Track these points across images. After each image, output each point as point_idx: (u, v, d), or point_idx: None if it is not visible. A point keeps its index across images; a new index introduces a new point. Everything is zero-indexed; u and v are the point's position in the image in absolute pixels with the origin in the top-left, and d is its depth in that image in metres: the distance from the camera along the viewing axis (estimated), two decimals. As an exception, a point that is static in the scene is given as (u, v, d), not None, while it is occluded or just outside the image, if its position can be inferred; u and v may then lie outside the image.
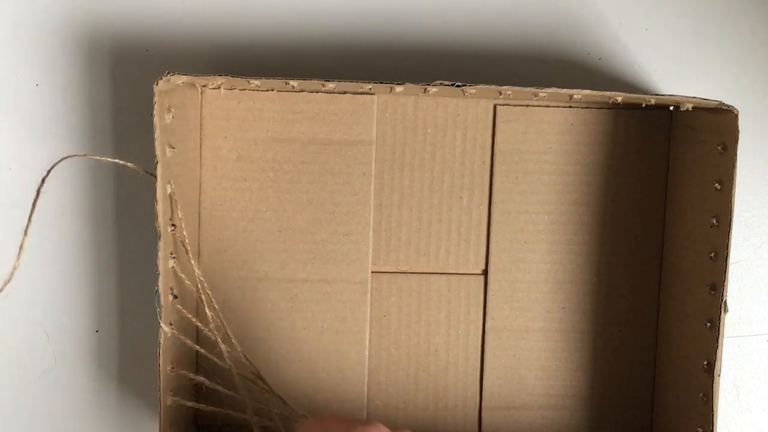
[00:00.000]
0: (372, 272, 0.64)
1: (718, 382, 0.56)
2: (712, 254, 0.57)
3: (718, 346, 0.56)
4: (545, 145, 0.64)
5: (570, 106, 0.64)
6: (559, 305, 0.65)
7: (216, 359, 0.56)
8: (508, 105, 0.64)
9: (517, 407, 0.66)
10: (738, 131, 0.54)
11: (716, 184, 0.57)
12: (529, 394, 0.66)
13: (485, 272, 0.65)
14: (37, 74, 0.63)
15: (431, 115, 0.63)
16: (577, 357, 0.66)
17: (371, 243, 0.64)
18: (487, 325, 0.65)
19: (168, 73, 0.52)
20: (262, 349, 0.63)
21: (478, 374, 0.65)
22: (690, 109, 0.58)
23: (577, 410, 0.66)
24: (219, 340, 0.54)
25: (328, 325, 0.64)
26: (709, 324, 0.57)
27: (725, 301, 0.56)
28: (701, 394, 0.58)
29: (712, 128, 0.58)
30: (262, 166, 0.63)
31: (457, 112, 0.63)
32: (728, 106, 0.54)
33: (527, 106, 0.64)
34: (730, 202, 0.55)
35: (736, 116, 0.54)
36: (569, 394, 0.66)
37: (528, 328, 0.65)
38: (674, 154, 0.64)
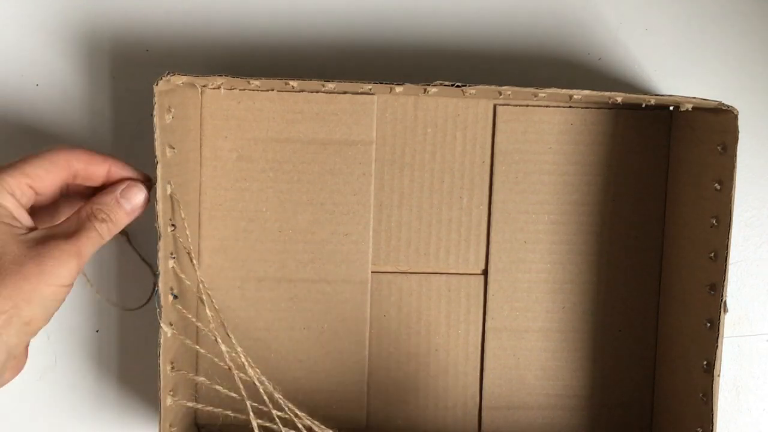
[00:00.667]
0: (372, 272, 0.64)
1: (718, 382, 0.56)
2: (712, 254, 0.57)
3: (717, 346, 0.56)
4: (545, 145, 0.64)
5: (570, 106, 0.64)
6: (559, 305, 0.65)
7: (216, 359, 0.56)
8: (507, 105, 0.64)
9: (516, 407, 0.66)
10: (738, 131, 0.54)
11: (716, 184, 0.57)
12: (529, 394, 0.66)
13: (485, 272, 0.65)
14: (37, 74, 0.64)
15: (431, 115, 0.63)
16: (577, 357, 0.66)
17: (371, 243, 0.64)
18: (487, 325, 0.65)
19: (168, 73, 0.52)
20: (262, 348, 0.63)
21: (478, 374, 0.65)
22: (690, 109, 0.58)
23: (576, 410, 0.66)
24: (219, 340, 0.54)
25: (328, 325, 0.64)
26: (708, 324, 0.57)
27: (725, 301, 0.56)
28: (701, 394, 0.58)
29: (712, 128, 0.58)
30: (262, 166, 0.63)
31: (457, 112, 0.63)
32: (728, 106, 0.54)
33: (527, 106, 0.64)
34: (730, 202, 0.55)
35: (736, 116, 0.54)
36: (569, 394, 0.66)
37: (528, 328, 0.65)
38: (674, 154, 0.64)
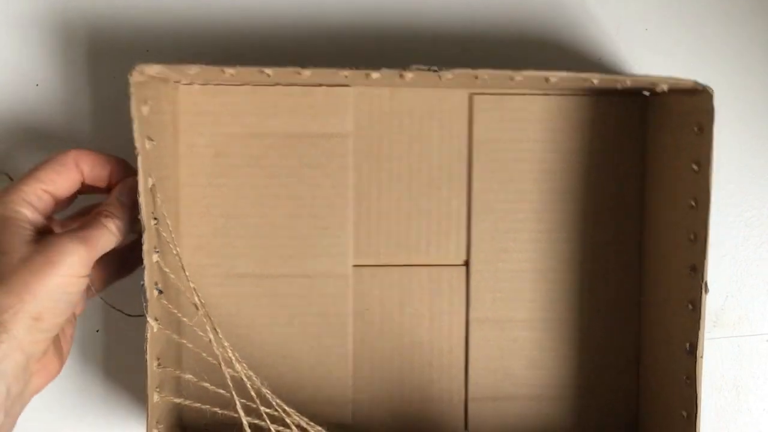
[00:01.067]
0: (353, 266, 0.64)
1: (701, 365, 0.56)
2: (692, 236, 0.57)
3: (699, 327, 0.56)
4: (523, 133, 0.64)
5: (546, 94, 0.64)
6: (542, 294, 0.65)
7: (204, 354, 0.55)
8: (484, 94, 0.63)
9: (502, 398, 0.65)
10: (713, 111, 0.54)
11: (694, 166, 0.57)
12: (514, 385, 0.65)
13: (467, 263, 0.65)
14: (36, 74, 0.63)
15: (407, 105, 0.63)
16: (562, 345, 0.65)
17: (351, 236, 0.63)
18: (470, 317, 0.65)
19: (141, 63, 0.52)
20: (245, 345, 0.63)
21: (463, 366, 0.65)
22: (665, 89, 0.58)
23: (563, 399, 0.66)
24: (211, 336, 0.53)
25: (310, 320, 0.64)
26: (691, 306, 0.57)
27: (705, 282, 0.56)
28: (685, 377, 0.58)
29: (688, 109, 0.58)
30: (240, 161, 0.62)
31: (433, 102, 0.63)
32: (703, 85, 0.55)
33: (503, 94, 0.64)
34: (708, 183, 0.55)
35: (711, 96, 0.54)
36: (555, 383, 0.66)
37: (511, 318, 0.65)
38: (651, 137, 0.64)
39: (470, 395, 0.65)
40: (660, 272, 0.62)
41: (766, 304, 0.68)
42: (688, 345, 0.57)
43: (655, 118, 0.63)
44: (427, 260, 0.65)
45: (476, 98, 0.63)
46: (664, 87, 0.57)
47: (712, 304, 0.67)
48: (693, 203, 0.57)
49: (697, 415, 0.56)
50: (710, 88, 0.54)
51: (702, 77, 0.64)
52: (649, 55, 0.66)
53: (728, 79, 0.67)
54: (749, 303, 0.68)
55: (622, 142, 0.65)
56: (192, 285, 0.54)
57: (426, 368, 0.65)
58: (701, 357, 0.56)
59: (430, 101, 0.63)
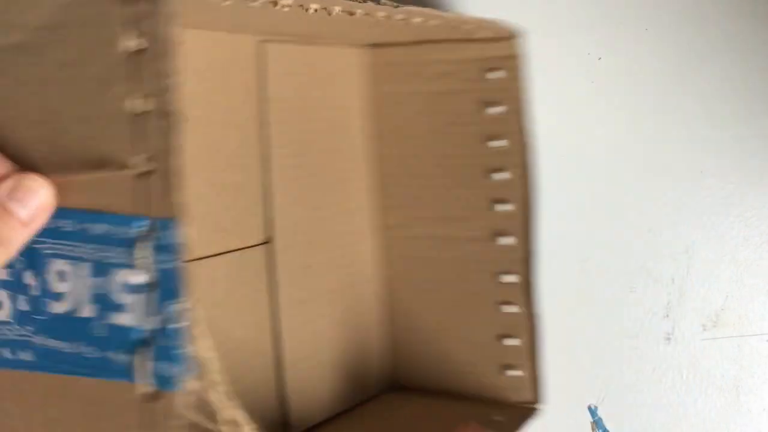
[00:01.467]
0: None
1: (535, 292, 0.58)
2: (507, 173, 0.59)
3: (530, 257, 0.58)
4: (316, 88, 0.60)
5: (331, 45, 0.61)
6: (339, 265, 0.62)
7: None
8: (275, 42, 0.56)
9: (318, 386, 0.60)
10: (523, 56, 0.57)
11: (489, 109, 0.59)
12: (326, 374, 0.61)
13: (270, 240, 0.57)
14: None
15: (193, 56, 0.51)
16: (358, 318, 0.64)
17: None
18: (277, 299, 0.57)
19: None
20: None
21: (273, 359, 0.57)
22: (489, 37, 0.58)
23: (345, 366, 0.63)
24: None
25: None
26: (511, 238, 0.59)
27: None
28: (505, 304, 0.60)
29: (480, 56, 0.59)
30: None
31: (220, 53, 0.53)
32: (517, 31, 0.56)
33: (296, 43, 0.58)
34: (521, 125, 0.57)
35: (522, 40, 0.57)
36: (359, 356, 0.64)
37: (316, 296, 0.60)
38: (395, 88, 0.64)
39: (288, 392, 0.57)
40: (430, 206, 0.63)
41: (766, 304, 0.69)
42: (518, 279, 0.59)
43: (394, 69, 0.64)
44: (226, 246, 0.54)
45: (269, 47, 0.56)
46: (487, 34, 0.57)
47: (712, 304, 0.68)
48: (504, 143, 0.58)
49: (535, 342, 0.58)
50: (522, 33, 0.57)
51: (703, 76, 0.67)
52: (650, 56, 0.66)
53: (727, 74, 0.67)
54: (749, 303, 0.69)
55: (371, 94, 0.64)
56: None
57: (238, 372, 0.56)
58: (534, 284, 0.58)
59: (217, 51, 0.53)
